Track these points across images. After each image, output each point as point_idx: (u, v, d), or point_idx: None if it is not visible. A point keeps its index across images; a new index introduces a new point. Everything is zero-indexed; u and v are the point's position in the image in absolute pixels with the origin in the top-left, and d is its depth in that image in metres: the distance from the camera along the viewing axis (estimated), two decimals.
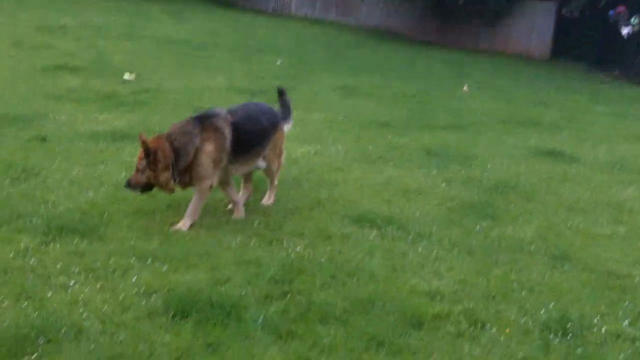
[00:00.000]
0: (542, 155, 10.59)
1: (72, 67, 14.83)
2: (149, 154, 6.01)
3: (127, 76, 14.97)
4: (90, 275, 5.21)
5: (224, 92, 14.16)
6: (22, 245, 5.59)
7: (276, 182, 7.24)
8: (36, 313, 4.52)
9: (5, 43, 16.42)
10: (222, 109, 6.64)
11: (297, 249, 6.02)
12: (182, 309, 4.73)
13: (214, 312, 4.72)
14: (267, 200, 7.19)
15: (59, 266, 5.29)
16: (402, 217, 7.05)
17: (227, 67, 17.35)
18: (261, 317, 4.69)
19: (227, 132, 6.39)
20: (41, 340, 4.22)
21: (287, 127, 7.43)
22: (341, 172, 8.75)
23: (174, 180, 6.27)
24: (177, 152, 6.11)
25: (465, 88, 18.18)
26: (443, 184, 8.52)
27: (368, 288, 5.35)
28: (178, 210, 6.67)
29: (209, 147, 6.28)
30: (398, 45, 24.59)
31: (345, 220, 6.93)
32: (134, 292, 5.00)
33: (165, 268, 5.40)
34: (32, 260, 5.34)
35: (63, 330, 4.35)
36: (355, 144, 10.27)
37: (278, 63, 19.59)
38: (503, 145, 11.10)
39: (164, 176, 6.11)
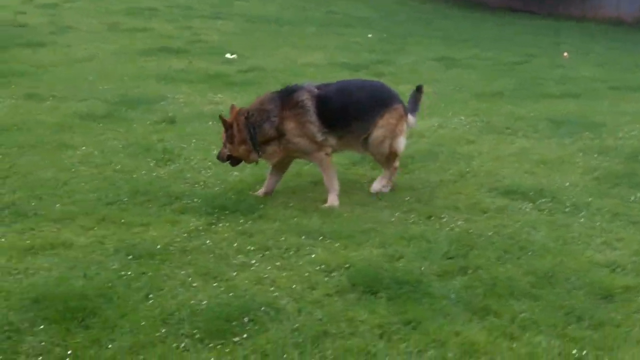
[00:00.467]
0: None
1: (172, 48, 14.97)
2: (226, 129, 6.30)
3: (229, 55, 15.02)
4: (266, 254, 5.20)
5: (327, 68, 14.06)
6: (191, 225, 5.61)
7: (391, 168, 6.71)
8: (231, 293, 4.52)
9: (101, 28, 16.66)
10: (311, 82, 6.57)
11: (459, 223, 5.88)
12: (368, 286, 4.69)
13: (401, 288, 4.65)
14: (376, 185, 6.74)
15: (235, 245, 5.29)
16: (552, 189, 6.87)
17: (321, 43, 17.26)
18: (452, 293, 4.59)
19: (310, 105, 6.31)
20: (246, 319, 4.20)
21: (411, 120, 6.93)
22: (472, 144, 8.59)
23: (257, 154, 6.39)
24: (252, 128, 6.26)
25: (565, 54, 17.70)
26: (580, 154, 8.28)
27: (545, 261, 5.22)
28: (322, 188, 6.67)
29: (290, 125, 6.28)
30: (484, 14, 24.08)
31: (494, 193, 6.79)
32: (316, 269, 4.96)
33: (337, 245, 5.34)
34: (208, 240, 5.34)
35: (262, 310, 4.32)
36: (476, 116, 10.07)
37: (369, 36, 19.40)
38: (625, 113, 10.72)
39: (242, 149, 6.34)
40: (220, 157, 6.56)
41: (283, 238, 5.45)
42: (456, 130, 9.16)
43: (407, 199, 6.49)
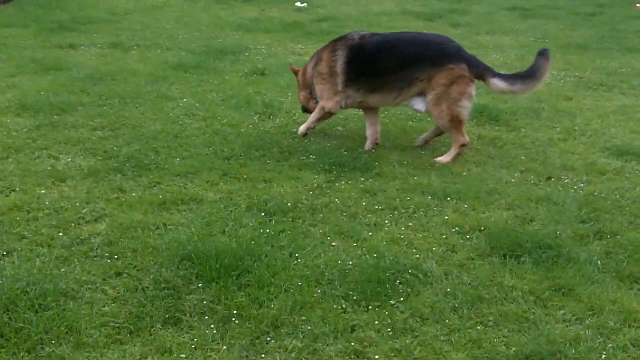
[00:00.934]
0: None
1: None
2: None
3: (299, 4, 14.87)
4: (395, 214, 5.17)
5: (400, 17, 13.86)
6: (313, 182, 5.61)
7: (455, 137, 6.34)
8: (374, 254, 4.51)
9: None
10: (364, 32, 6.54)
11: (581, 186, 5.78)
12: (509, 250, 4.64)
13: (544, 252, 4.60)
14: (443, 158, 6.36)
15: (363, 204, 5.27)
16: None
17: None
18: (596, 259, 4.53)
19: (341, 54, 6.31)
20: (397, 282, 4.19)
21: (497, 83, 6.31)
22: (571, 100, 8.43)
23: (314, 101, 6.67)
24: (309, 76, 6.61)
25: (638, 5, 17.21)
26: None
27: None
28: (434, 146, 6.62)
29: (319, 69, 6.49)
30: None
31: (607, 153, 6.67)
32: (451, 231, 4.92)
33: (465, 206, 5.30)
34: (335, 199, 5.33)
35: (410, 272, 4.31)
36: (567, 70, 9.87)
37: None
38: None
39: (302, 95, 6.81)
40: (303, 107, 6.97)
41: (408, 198, 5.41)
42: (551, 86, 8.96)
43: (522, 158, 6.38)
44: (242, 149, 6.26)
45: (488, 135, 6.99)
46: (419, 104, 6.34)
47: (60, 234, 4.66)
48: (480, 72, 6.27)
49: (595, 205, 5.38)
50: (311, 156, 6.15)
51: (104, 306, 3.91)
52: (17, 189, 5.32)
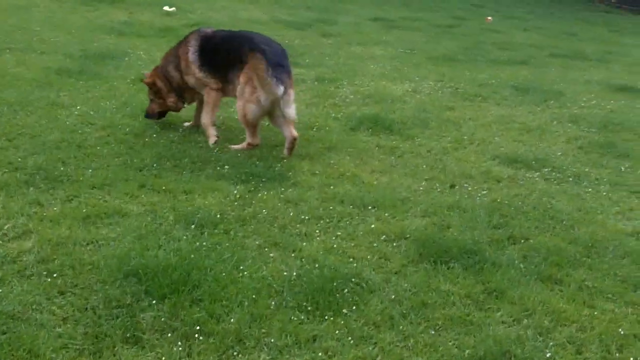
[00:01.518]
0: (616, 90, 10.83)
1: None
2: (150, 87, 7.10)
3: (167, 8, 14.73)
4: (321, 223, 5.31)
5: (272, 25, 14.03)
6: (235, 193, 5.66)
7: (249, 132, 6.82)
8: (316, 265, 4.62)
9: None
10: (210, 27, 7.27)
11: (483, 193, 6.17)
12: (438, 256, 4.90)
13: (470, 258, 4.90)
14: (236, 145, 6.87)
15: (290, 214, 5.37)
16: (548, 158, 7.27)
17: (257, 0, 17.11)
18: (517, 262, 4.87)
19: (193, 44, 6.91)
20: (345, 291, 4.33)
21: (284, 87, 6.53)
22: (453, 110, 8.90)
23: (182, 102, 7.25)
24: (168, 77, 7.06)
25: (489, 18, 18.30)
26: (554, 123, 8.74)
27: (580, 232, 5.56)
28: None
29: (182, 64, 7.01)
30: None
31: (497, 161, 7.11)
32: (381, 239, 5.14)
33: (386, 215, 5.53)
34: (263, 210, 5.39)
35: (353, 281, 4.48)
36: (442, 82, 10.39)
37: None
38: (576, 81, 11.31)
39: (170, 100, 7.15)
40: (149, 114, 7.22)
41: (331, 207, 5.56)
42: (432, 96, 9.42)
43: (423, 167, 6.69)
44: (153, 160, 6.18)
45: (386, 144, 7.26)
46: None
47: None
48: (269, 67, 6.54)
49: (502, 212, 5.74)
50: (225, 167, 6.16)
51: (57, 327, 3.78)
52: None
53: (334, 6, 17.80)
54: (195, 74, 6.92)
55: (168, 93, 7.10)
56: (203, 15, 14.41)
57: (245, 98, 6.56)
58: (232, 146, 6.76)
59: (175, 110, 7.30)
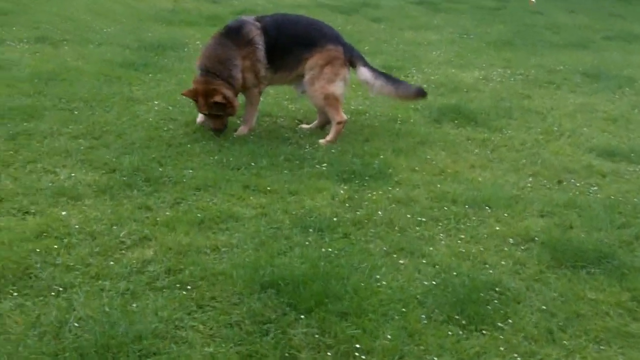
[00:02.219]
0: None
1: None
2: (223, 103, 6.28)
3: None
4: (441, 225, 5.07)
5: (318, 10, 13.76)
6: (342, 194, 5.40)
7: (333, 120, 6.64)
8: (453, 273, 4.38)
9: None
10: (249, 16, 6.66)
11: (594, 189, 5.91)
12: (574, 260, 4.68)
13: (608, 262, 4.67)
14: (327, 138, 6.63)
15: (407, 216, 5.12)
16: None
17: None
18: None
19: (259, 41, 6.43)
20: (496, 302, 4.09)
21: (364, 74, 6.74)
22: (530, 99, 8.62)
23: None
24: (229, 83, 6.33)
25: (532, 0, 17.93)
26: (635, 111, 8.43)
27: None
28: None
29: (247, 63, 6.42)
30: None
31: (594, 154, 6.84)
32: (506, 242, 4.88)
33: (505, 215, 5.29)
34: (377, 211, 5.14)
35: (496, 290, 4.23)
36: (509, 68, 10.11)
37: None
38: None
39: (236, 106, 6.43)
40: (218, 131, 6.49)
41: (445, 208, 5.32)
42: (505, 84, 9.14)
43: (522, 161, 6.43)
44: (248, 158, 5.95)
45: (476, 137, 7.00)
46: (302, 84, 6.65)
47: (111, 262, 4.21)
48: (352, 57, 6.64)
49: (620, 210, 5.48)
50: (323, 165, 5.93)
51: (206, 346, 3.56)
52: (32, 210, 4.77)
53: None
54: (259, 72, 6.53)
55: (235, 99, 6.45)
56: (247, 2, 14.10)
57: (326, 78, 6.50)
58: (324, 140, 6.52)
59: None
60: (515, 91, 8.76)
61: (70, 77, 7.92)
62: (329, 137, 6.51)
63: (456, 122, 7.38)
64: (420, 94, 6.79)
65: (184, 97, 6.60)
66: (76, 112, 6.75)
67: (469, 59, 10.47)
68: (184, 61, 9.11)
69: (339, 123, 6.50)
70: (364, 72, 6.64)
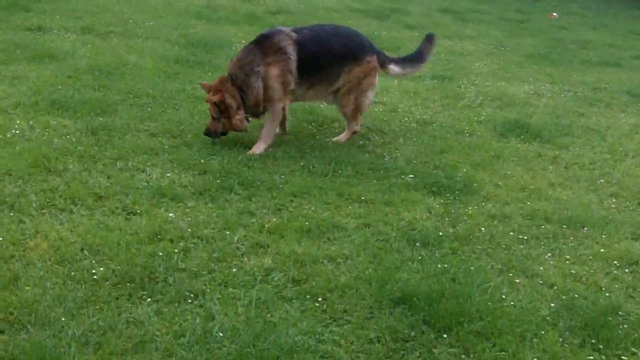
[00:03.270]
0: None
1: None
2: (218, 105, 5.93)
3: None
4: (544, 245, 5.02)
5: (350, 14, 13.70)
6: (437, 207, 5.34)
7: (353, 126, 6.62)
8: (573, 294, 4.34)
9: None
10: (285, 27, 6.39)
11: None
12: None
13: None
14: (340, 136, 6.64)
15: (511, 233, 5.08)
16: None
17: None
18: None
19: (292, 51, 6.10)
20: (625, 326, 4.06)
21: (394, 68, 6.84)
22: (585, 117, 8.61)
23: (247, 119, 6.19)
24: (242, 90, 6.02)
25: (554, 14, 17.97)
26: None
27: None
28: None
29: (274, 72, 6.05)
30: None
31: None
32: (613, 265, 4.84)
33: (603, 236, 5.25)
34: (479, 226, 5.10)
35: (636, 314, 4.19)
36: (554, 83, 10.10)
37: None
38: None
39: (237, 119, 6.04)
40: (211, 132, 6.10)
41: (542, 226, 5.32)
42: (556, 100, 9.14)
43: (600, 181, 6.40)
44: (332, 165, 5.92)
45: (546, 154, 6.98)
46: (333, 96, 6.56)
47: (233, 269, 4.14)
48: (382, 60, 6.65)
49: None
50: (409, 175, 5.90)
51: None
52: (137, 210, 4.68)
53: None
54: (288, 84, 6.18)
55: (237, 110, 6.04)
56: (278, 1, 14.00)
57: (361, 90, 6.50)
58: (337, 138, 6.55)
59: (239, 131, 6.21)
60: (569, 108, 8.74)
61: (130, 72, 7.80)
62: (340, 138, 6.55)
63: (522, 137, 7.34)
64: (433, 44, 7.19)
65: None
66: (149, 109, 6.64)
67: (512, 72, 10.45)
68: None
69: (354, 132, 6.56)
70: (393, 69, 6.77)
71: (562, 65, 11.42)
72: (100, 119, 6.24)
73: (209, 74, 8.14)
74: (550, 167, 6.62)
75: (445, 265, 4.45)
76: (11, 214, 4.46)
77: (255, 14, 12.34)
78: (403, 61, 6.90)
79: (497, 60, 11.23)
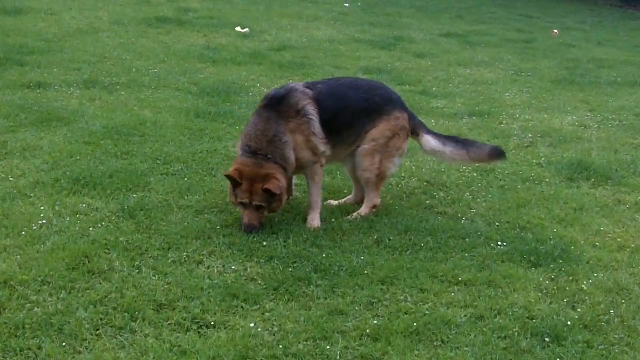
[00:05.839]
0: None
1: (170, 19, 13.87)
2: (274, 195, 4.97)
3: (239, 29, 13.67)
4: None
5: (355, 45, 13.09)
6: (549, 285, 4.58)
7: (374, 199, 5.59)
8: None
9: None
10: (296, 82, 5.53)
11: None
12: None
13: None
14: (359, 211, 5.59)
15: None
16: None
17: (311, 12, 16.23)
18: None
19: (311, 112, 5.24)
20: None
21: (430, 141, 5.75)
22: (634, 148, 7.91)
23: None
24: (283, 167, 5.12)
25: (555, 31, 17.52)
26: None
27: None
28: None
29: (299, 139, 5.19)
30: None
31: None
32: None
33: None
34: (609, 310, 4.34)
35: None
36: (595, 111, 9.51)
37: (346, 5, 18.48)
38: None
39: (284, 202, 5.22)
40: (257, 226, 5.07)
41: None
42: (606, 132, 8.54)
43: None
44: (408, 236, 5.21)
45: (627, 199, 6.29)
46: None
47: None
48: (415, 125, 5.69)
49: None
50: (498, 244, 5.13)
51: None
52: (210, 321, 3.88)
53: (394, 21, 16.80)
54: (316, 148, 5.32)
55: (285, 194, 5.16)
56: (278, 37, 13.30)
57: (388, 153, 5.50)
58: (358, 214, 5.53)
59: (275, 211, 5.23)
60: (623, 140, 8.12)
61: (150, 132, 7.03)
62: (357, 216, 5.54)
63: (592, 181, 6.66)
64: (497, 154, 5.79)
65: (226, 177, 5.10)
66: (185, 179, 5.83)
67: (546, 101, 9.81)
68: (248, 106, 8.24)
69: (374, 207, 5.56)
70: (430, 141, 5.68)
71: (592, 90, 10.80)
72: (134, 196, 5.42)
73: (236, 127, 7.32)
74: (638, 217, 5.87)
75: None
76: (63, 343, 3.61)
77: (260, 53, 11.59)
78: (445, 138, 5.78)
79: (524, 88, 10.58)
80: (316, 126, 5.20)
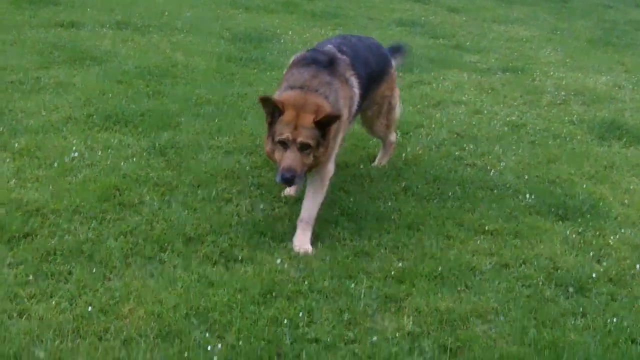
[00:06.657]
0: None
1: None
2: (327, 121, 4.05)
3: None
4: None
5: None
6: (575, 237, 4.56)
7: (391, 139, 5.45)
8: None
9: None
10: (331, 47, 4.70)
11: None
12: None
13: None
14: (379, 160, 5.44)
15: None
16: None
17: None
18: None
19: (351, 74, 4.58)
20: None
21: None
22: None
23: None
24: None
25: None
26: None
27: None
28: None
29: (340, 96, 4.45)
30: None
31: None
32: None
33: None
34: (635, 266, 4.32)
35: None
36: (630, 72, 9.26)
37: None
38: None
39: (337, 146, 4.43)
40: (292, 173, 4.05)
41: None
42: (637, 92, 8.30)
43: None
44: (435, 185, 5.27)
45: None
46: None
47: (374, 337, 3.35)
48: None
49: None
50: (526, 195, 5.06)
51: None
52: (239, 256, 3.90)
53: None
54: (345, 131, 4.71)
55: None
56: None
57: (391, 107, 5.33)
58: (382, 162, 5.48)
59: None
60: None
61: (182, 74, 7.05)
62: (382, 160, 5.50)
63: (624, 140, 6.57)
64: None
65: (262, 102, 4.17)
66: (216, 120, 5.83)
67: (582, 60, 9.67)
68: (285, 56, 8.16)
69: (392, 145, 5.54)
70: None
71: (628, 51, 10.63)
72: (165, 134, 5.45)
73: (267, 73, 7.31)
74: None
75: (615, 320, 3.64)
76: (93, 270, 3.67)
77: (292, 1, 11.51)
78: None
79: (559, 46, 10.43)
80: (356, 104, 4.61)
